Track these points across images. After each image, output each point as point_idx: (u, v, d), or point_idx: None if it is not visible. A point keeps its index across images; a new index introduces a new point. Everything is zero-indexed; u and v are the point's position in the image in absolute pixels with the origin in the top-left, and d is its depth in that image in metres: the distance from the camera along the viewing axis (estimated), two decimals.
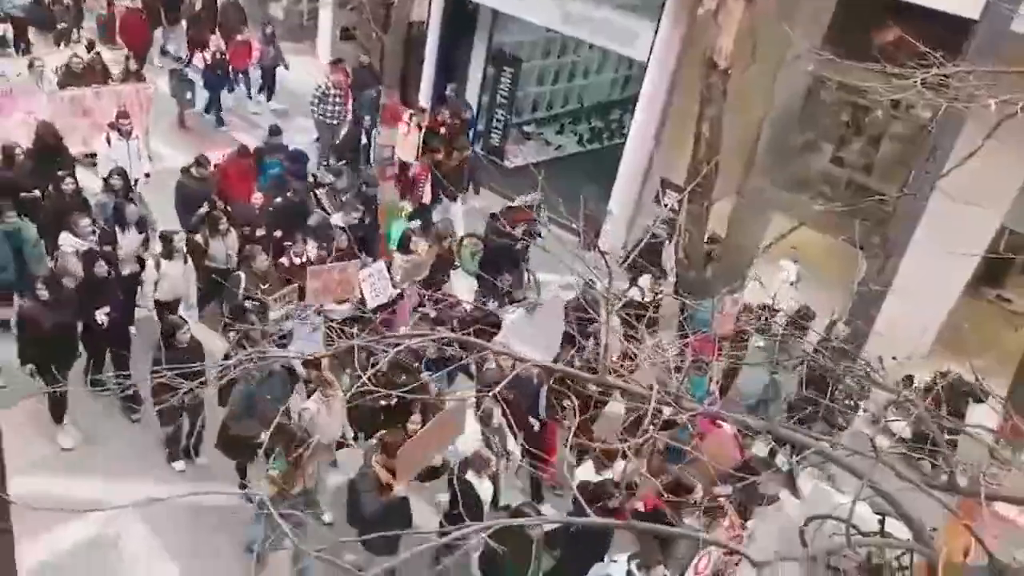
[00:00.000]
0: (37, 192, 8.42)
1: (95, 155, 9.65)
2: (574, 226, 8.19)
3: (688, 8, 9.91)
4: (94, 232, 7.56)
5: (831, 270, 9.56)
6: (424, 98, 13.19)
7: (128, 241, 7.91)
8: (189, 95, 12.38)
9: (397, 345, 3.20)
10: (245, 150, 9.78)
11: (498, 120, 13.46)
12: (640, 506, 5.61)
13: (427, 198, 10.67)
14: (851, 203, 7.20)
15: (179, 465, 6.92)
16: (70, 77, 10.63)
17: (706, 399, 6.90)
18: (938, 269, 8.26)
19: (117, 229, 7.91)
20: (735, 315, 7.46)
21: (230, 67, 13.00)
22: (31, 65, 10.50)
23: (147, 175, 9.66)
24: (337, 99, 11.78)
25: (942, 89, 4.81)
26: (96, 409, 7.35)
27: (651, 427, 2.70)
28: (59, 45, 12.55)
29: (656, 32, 10.61)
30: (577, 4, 11.62)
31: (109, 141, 9.32)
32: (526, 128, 14.79)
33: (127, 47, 12.82)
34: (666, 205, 9.74)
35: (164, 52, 14.68)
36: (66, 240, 7.43)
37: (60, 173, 8.38)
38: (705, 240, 8.70)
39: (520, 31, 13.60)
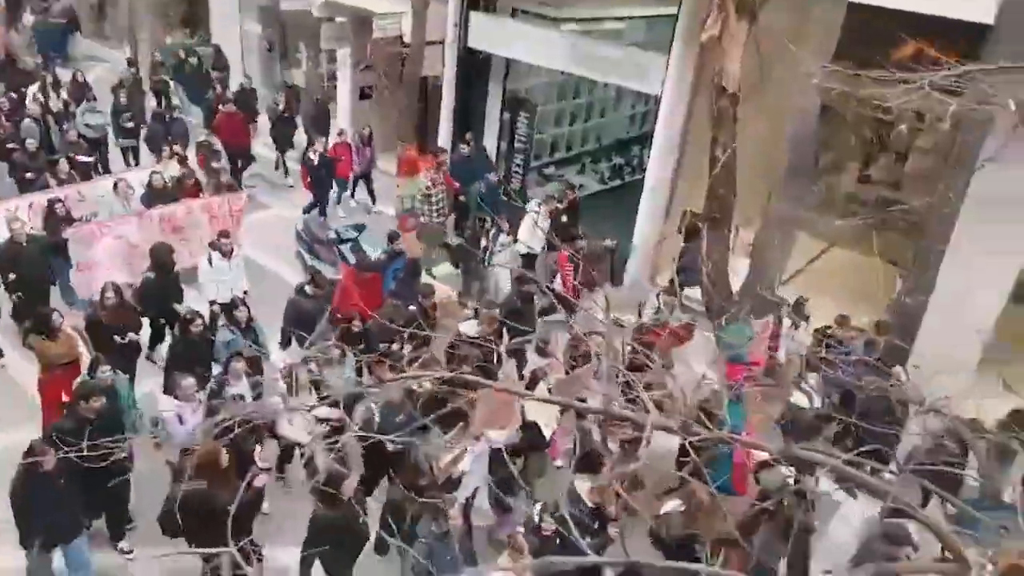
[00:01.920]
0: (132, 336, 7.82)
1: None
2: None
3: (698, 39, 9.93)
4: (200, 389, 6.71)
5: (866, 289, 9.27)
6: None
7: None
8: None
9: None
10: (369, 266, 9.36)
11: (517, 164, 13.54)
12: None
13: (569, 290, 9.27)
14: (872, 215, 6.98)
15: None
16: (153, 195, 10.23)
17: (742, 429, 6.66)
18: (978, 278, 7.93)
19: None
20: (765, 340, 7.23)
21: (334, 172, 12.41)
22: (115, 186, 10.17)
23: (246, 292, 9.00)
24: (441, 195, 11.30)
25: (955, 94, 4.68)
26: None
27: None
28: (158, 161, 11.82)
29: (667, 65, 10.63)
30: (586, 44, 11.75)
31: (211, 261, 8.87)
32: (546, 171, 14.85)
33: (226, 149, 12.63)
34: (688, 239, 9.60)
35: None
36: (166, 404, 6.64)
37: (187, 315, 7.65)
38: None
39: (533, 76, 13.77)
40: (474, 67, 13.08)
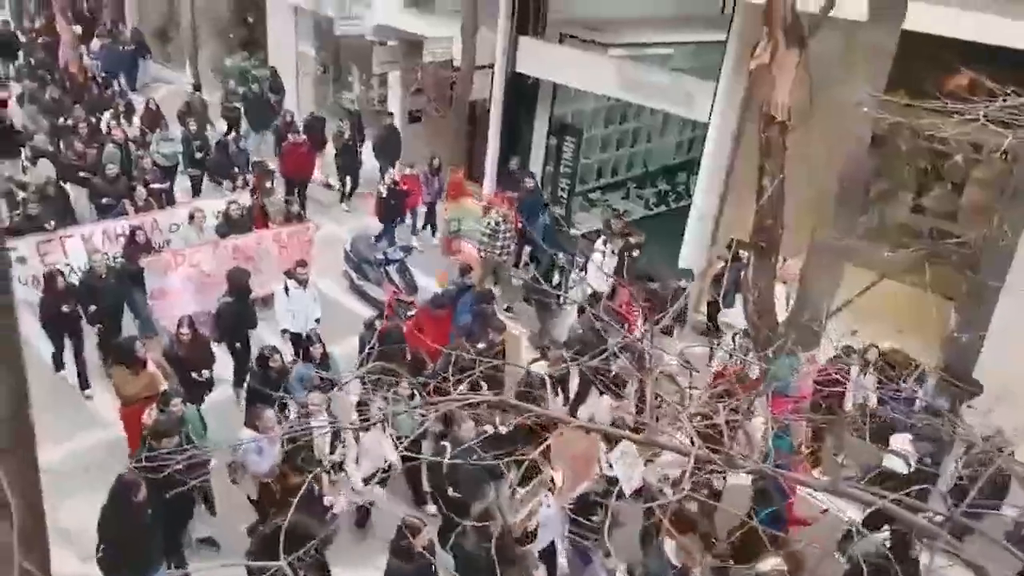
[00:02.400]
0: (207, 373, 7.89)
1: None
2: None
3: (747, 66, 9.90)
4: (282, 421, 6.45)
5: (918, 322, 9.02)
6: (489, 173, 13.52)
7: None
8: None
9: None
10: (441, 299, 9.23)
11: (562, 189, 13.61)
12: None
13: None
14: (925, 246, 6.81)
15: None
16: (229, 225, 10.28)
17: (787, 465, 6.52)
18: None
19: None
20: (813, 373, 7.08)
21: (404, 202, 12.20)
22: (192, 216, 10.22)
23: (318, 320, 8.96)
24: (508, 233, 10.79)
25: (1012, 126, 4.58)
26: None
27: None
28: (233, 191, 12.05)
29: (715, 92, 10.61)
30: (635, 71, 11.81)
31: (288, 291, 8.79)
32: (591, 195, 14.88)
33: (286, 179, 12.87)
34: (726, 261, 9.50)
35: (328, 186, 14.44)
36: (248, 436, 6.38)
37: (265, 352, 7.52)
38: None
39: (581, 101, 13.88)
40: (522, 91, 13.25)
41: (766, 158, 7.66)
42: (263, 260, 9.87)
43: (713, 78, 10.70)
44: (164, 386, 7.22)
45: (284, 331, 8.82)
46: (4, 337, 1.71)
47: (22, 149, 12.72)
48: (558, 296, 9.93)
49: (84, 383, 8.81)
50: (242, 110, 15.53)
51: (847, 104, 7.37)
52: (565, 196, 13.64)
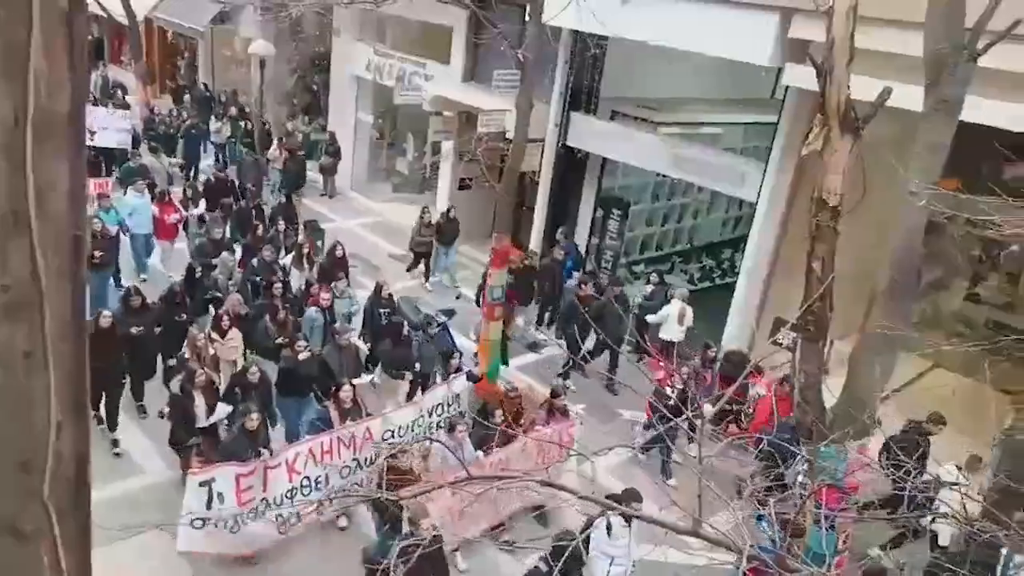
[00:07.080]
0: None
1: None
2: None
3: (796, 149, 9.96)
4: None
5: (972, 417, 8.69)
6: (535, 242, 13.67)
7: None
8: None
9: None
10: None
11: (607, 261, 13.67)
12: None
13: None
14: (981, 339, 6.61)
15: None
16: (484, 437, 7.60)
17: (832, 563, 6.24)
18: None
19: None
20: (862, 463, 6.83)
21: None
22: (452, 427, 7.61)
23: (634, 565, 6.77)
24: None
25: None
26: None
27: None
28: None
29: (764, 173, 10.67)
30: (685, 148, 11.95)
31: (610, 530, 6.63)
32: (635, 268, 14.90)
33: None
34: (780, 344, 9.35)
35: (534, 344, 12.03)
36: None
37: None
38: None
39: (629, 175, 14.06)
40: (571, 164, 13.49)
41: (816, 242, 7.58)
42: (521, 467, 7.50)
43: (762, 159, 10.78)
44: None
45: None
46: (77, 400, 1.77)
47: (211, 307, 9.78)
48: None
49: None
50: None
51: (900, 192, 7.33)
52: (609, 268, 13.69)
